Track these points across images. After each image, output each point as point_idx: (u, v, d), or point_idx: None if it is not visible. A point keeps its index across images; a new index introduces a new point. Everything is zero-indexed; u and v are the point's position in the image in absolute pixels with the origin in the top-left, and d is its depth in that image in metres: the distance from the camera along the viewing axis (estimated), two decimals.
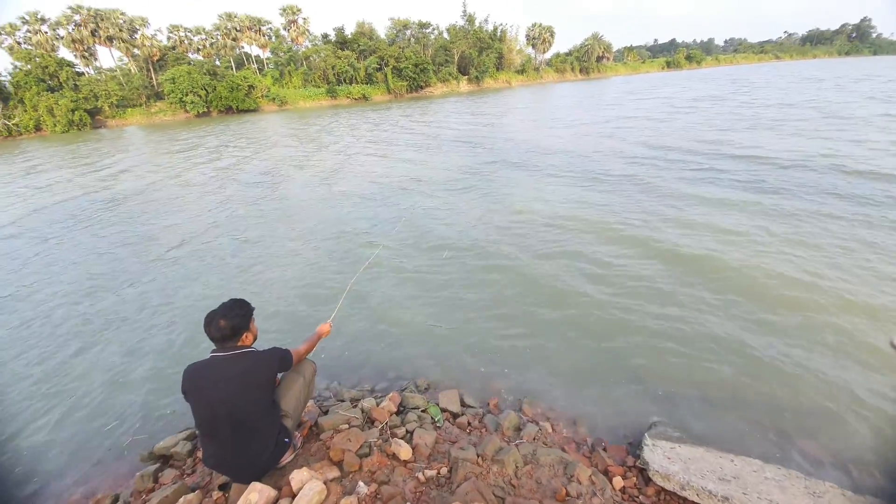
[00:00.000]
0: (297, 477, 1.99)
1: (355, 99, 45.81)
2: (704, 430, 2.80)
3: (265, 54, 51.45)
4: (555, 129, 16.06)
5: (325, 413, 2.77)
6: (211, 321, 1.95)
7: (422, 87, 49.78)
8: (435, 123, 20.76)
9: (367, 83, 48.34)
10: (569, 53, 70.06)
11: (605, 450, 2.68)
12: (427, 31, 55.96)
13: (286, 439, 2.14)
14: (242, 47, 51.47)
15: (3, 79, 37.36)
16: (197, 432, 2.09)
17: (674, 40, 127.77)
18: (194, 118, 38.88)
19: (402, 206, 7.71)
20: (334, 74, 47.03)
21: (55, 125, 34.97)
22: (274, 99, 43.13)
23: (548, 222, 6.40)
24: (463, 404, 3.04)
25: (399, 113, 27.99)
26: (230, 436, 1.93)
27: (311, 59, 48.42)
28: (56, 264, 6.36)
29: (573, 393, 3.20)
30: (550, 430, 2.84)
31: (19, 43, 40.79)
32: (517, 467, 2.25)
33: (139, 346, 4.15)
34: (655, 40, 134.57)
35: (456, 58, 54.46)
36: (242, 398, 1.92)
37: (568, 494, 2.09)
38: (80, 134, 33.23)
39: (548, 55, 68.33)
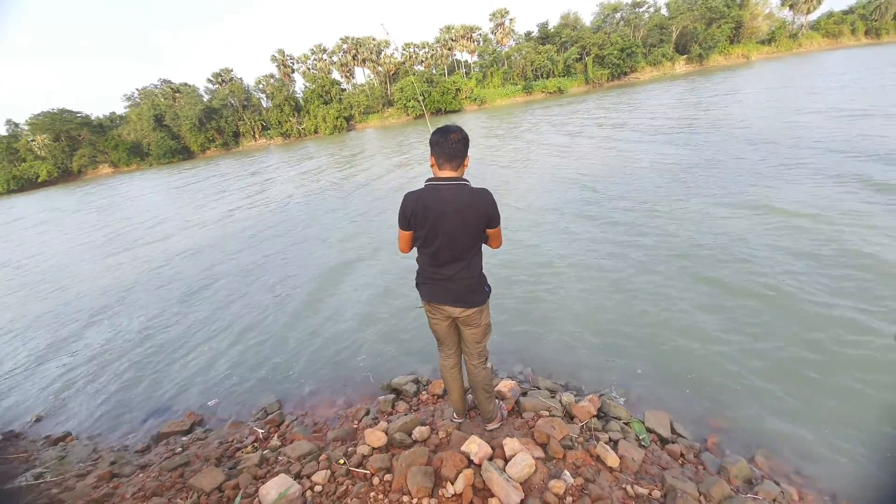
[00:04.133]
0: (510, 444, 2.21)
1: (550, 93, 45.37)
2: None
3: (473, 58, 56.37)
4: (804, 127, 10.31)
5: (525, 395, 2.96)
6: (447, 134, 1.94)
7: (626, 74, 45.27)
8: (619, 122, 18.19)
9: (564, 75, 47.17)
10: (849, 11, 50.99)
11: None
12: (640, 10, 50.17)
13: (486, 288, 2.20)
14: (455, 55, 57.74)
15: (297, 95, 52.87)
16: (418, 259, 2.18)
17: None
18: (413, 120, 46.24)
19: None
20: (532, 70, 47.69)
21: (326, 129, 47.59)
22: (475, 99, 46.99)
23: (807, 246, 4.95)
24: (673, 431, 2.73)
25: (588, 107, 26.19)
26: (447, 258, 2.02)
27: (513, 57, 50.35)
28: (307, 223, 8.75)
29: (834, 462, 2.44)
30: (796, 498, 2.25)
31: (309, 69, 56.70)
32: None
33: (376, 296, 5.31)
34: None
35: (674, 35, 47.11)
36: (461, 229, 1.95)
37: None
38: (339, 135, 44.25)
39: (813, 16, 51.55)
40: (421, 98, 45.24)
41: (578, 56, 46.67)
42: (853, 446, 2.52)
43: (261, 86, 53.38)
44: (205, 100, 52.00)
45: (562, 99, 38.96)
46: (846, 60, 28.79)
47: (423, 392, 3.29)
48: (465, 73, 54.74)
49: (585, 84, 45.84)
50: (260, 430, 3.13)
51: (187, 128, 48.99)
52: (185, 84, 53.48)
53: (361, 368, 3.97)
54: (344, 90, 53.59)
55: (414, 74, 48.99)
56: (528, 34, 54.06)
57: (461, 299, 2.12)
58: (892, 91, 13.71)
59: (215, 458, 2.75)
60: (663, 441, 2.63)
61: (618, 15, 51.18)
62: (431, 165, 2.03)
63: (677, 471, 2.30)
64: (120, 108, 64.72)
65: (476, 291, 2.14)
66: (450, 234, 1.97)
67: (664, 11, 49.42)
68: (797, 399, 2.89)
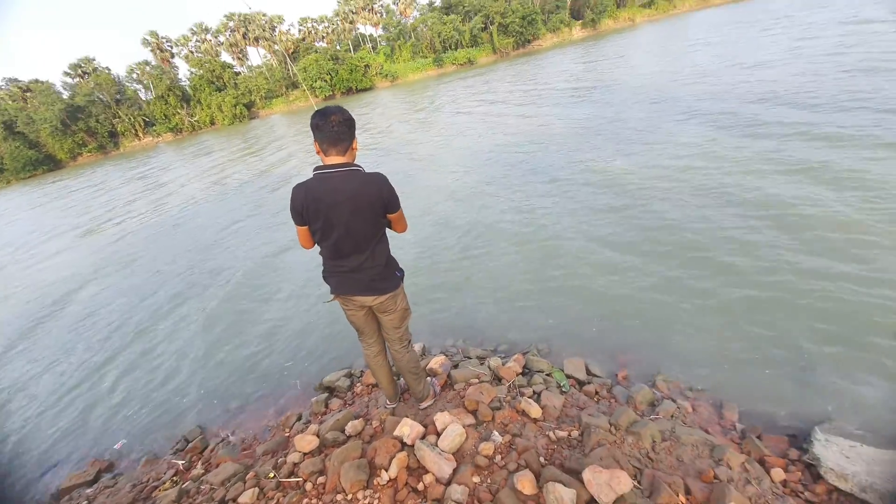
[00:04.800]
0: (441, 418, 2.26)
1: (461, 65, 45.35)
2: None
3: (377, 32, 53.98)
4: (683, 84, 11.37)
5: (456, 367, 3.04)
6: (326, 116, 1.78)
7: (529, 42, 46.71)
8: (510, 96, 19.03)
9: (472, 46, 47.32)
10: None
11: (759, 438, 2.39)
12: None
13: (397, 272, 2.16)
14: (358, 29, 54.81)
15: (184, 84, 46.77)
16: (320, 253, 2.07)
17: None
18: (322, 101, 43.49)
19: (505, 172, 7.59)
20: (440, 42, 47.08)
21: (224, 119, 42.93)
22: (386, 75, 45.39)
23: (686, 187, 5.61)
24: (589, 373, 3.00)
25: (492, 77, 26.80)
26: (348, 249, 1.94)
27: (419, 29, 49.14)
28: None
29: (717, 373, 2.88)
30: (690, 410, 2.62)
31: (192, 52, 50.23)
32: (654, 442, 2.17)
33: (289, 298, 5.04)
34: None
35: (569, 1, 49.32)
36: (356, 218, 1.86)
37: (716, 477, 1.95)
38: (240, 125, 40.22)
39: None
40: (328, 78, 42.58)
41: (483, 25, 46.98)
42: (733, 356, 2.98)
43: (135, 75, 46.26)
44: (65, 97, 43.84)
45: (471, 70, 39.16)
46: (712, 18, 32.48)
47: (357, 384, 3.23)
48: (372, 47, 52.39)
49: (493, 54, 46.50)
50: (180, 462, 2.86)
51: (48, 132, 41.14)
52: (36, 81, 44.53)
53: (289, 374, 3.78)
54: (238, 74, 48.49)
55: (316, 51, 45.79)
56: (431, 4, 52.95)
57: (371, 288, 2.06)
58: (744, 46, 15.81)
59: None
60: (581, 384, 2.88)
61: None
62: (317, 152, 1.88)
63: (593, 408, 2.54)
64: None
65: (386, 278, 2.09)
66: (345, 224, 1.86)
67: None
68: (683, 326, 3.32)
